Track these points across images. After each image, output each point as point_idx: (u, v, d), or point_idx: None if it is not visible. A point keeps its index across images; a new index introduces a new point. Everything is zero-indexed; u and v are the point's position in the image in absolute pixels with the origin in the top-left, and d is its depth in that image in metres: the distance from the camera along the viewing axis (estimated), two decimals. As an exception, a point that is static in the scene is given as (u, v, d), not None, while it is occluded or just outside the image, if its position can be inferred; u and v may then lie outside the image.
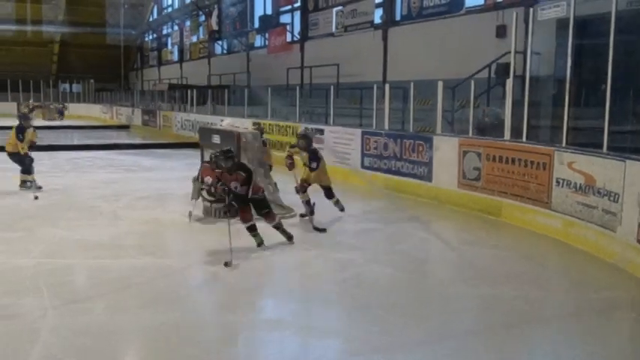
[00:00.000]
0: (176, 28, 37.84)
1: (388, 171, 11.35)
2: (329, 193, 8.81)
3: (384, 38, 18.36)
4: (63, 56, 44.66)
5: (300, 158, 8.69)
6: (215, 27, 30.60)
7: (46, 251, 6.89)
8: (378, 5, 18.85)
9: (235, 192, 6.83)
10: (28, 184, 10.73)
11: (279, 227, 7.28)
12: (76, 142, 20.76)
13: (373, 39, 18.67)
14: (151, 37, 44.01)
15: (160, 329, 4.75)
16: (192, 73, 34.08)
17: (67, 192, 10.77)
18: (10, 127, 11.09)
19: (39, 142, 11.33)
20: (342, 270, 6.55)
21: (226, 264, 6.27)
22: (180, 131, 22.90)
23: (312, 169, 8.47)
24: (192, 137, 19.35)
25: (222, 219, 8.39)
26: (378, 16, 18.95)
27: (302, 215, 8.61)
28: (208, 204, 8.65)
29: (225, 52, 30.98)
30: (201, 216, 8.66)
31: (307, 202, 8.50)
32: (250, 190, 6.94)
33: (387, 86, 12.12)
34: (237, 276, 6.13)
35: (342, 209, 8.88)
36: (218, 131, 9.68)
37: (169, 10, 39.54)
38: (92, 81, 43.50)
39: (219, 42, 31.19)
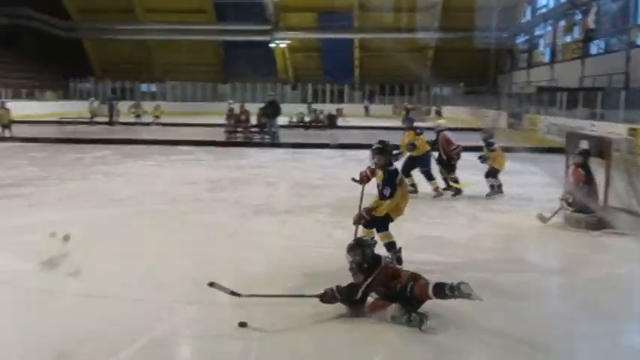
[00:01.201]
0: (549, 28, 36.67)
1: None
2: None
3: None
4: (436, 61, 47.03)
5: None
6: (592, 25, 28.78)
7: (408, 244, 7.33)
8: None
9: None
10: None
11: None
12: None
13: None
14: (522, 38, 43.48)
15: (504, 337, 4.68)
16: (563, 74, 32.62)
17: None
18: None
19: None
20: None
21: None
22: (546, 135, 22.18)
23: (382, 196, 6.24)
24: (557, 142, 18.57)
25: (584, 230, 7.94)
26: None
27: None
28: (572, 213, 8.23)
29: (601, 51, 28.91)
30: (559, 222, 8.30)
31: (391, 245, 6.33)
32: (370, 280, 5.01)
33: None
34: (588, 291, 5.69)
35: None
36: (586, 137, 9.10)
37: (543, 10, 38.51)
38: (461, 84, 44.91)
39: (596, 41, 29.21)
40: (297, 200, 10.18)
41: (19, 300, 5.31)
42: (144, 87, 48.80)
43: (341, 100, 45.54)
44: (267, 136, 21.14)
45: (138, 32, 46.18)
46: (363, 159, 14.87)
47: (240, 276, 5.96)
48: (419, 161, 10.67)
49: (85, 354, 4.20)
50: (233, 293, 4.55)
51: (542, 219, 8.41)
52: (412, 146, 10.58)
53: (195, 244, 7.19)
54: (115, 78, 47.06)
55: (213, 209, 9.27)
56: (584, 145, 8.67)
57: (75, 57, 47.96)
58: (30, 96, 38.70)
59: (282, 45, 46.57)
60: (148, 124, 29.57)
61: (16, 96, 36.04)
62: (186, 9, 45.22)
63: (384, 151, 6.33)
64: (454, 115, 39.05)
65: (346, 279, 5.80)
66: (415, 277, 4.97)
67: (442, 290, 4.71)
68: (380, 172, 6.36)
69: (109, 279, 5.81)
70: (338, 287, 4.96)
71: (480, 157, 10.86)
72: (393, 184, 6.18)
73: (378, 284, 4.95)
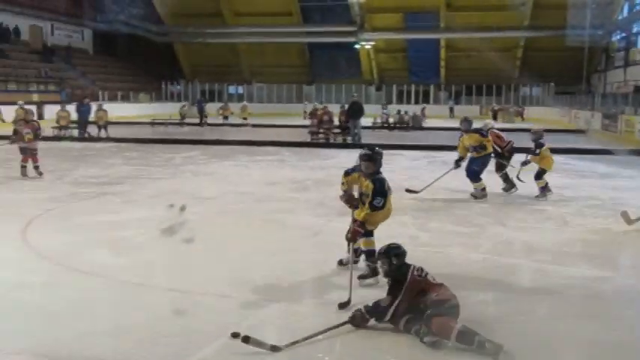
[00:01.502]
0: (648, 25, 34.90)
1: None
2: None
3: None
4: (525, 60, 45.70)
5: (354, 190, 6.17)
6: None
7: (494, 248, 7.18)
8: None
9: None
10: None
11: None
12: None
13: None
14: (618, 36, 41.56)
15: (598, 344, 4.49)
16: (663, 73, 31.00)
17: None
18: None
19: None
20: None
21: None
22: (643, 137, 21.11)
23: (374, 208, 5.76)
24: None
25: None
26: None
27: (340, 262, 6.25)
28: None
29: None
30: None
31: (370, 254, 5.84)
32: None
33: None
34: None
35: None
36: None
37: (641, 6, 36.70)
38: (552, 84, 43.44)
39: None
40: (381, 201, 10.12)
41: (112, 293, 5.56)
42: (232, 89, 50.02)
43: (426, 100, 45.04)
44: (349, 137, 21.18)
45: (226, 35, 47.42)
46: (447, 161, 14.72)
47: (323, 276, 6.00)
48: (476, 162, 10.42)
49: (171, 348, 4.34)
50: (273, 348, 4.24)
51: (627, 219, 8.04)
52: (482, 149, 10.39)
53: (280, 244, 7.29)
54: (204, 80, 48.50)
55: (297, 209, 9.38)
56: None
57: (167, 60, 49.79)
58: (125, 98, 40.45)
59: (367, 46, 46.53)
60: (239, 125, 30.29)
61: (112, 98, 37.78)
62: (273, 12, 45.96)
63: (373, 159, 5.82)
64: (543, 116, 37.88)
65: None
66: (439, 302, 4.46)
67: (469, 340, 4.21)
68: (366, 181, 5.82)
69: (196, 275, 5.99)
70: (366, 307, 4.62)
71: (523, 162, 10.54)
72: (384, 193, 5.76)
73: (407, 302, 4.51)
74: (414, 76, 47.91)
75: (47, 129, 23.36)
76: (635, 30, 38.19)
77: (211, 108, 33.82)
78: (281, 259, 6.63)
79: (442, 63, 47.49)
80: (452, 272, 6.18)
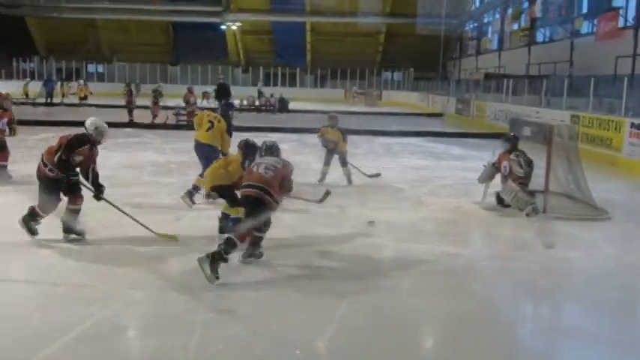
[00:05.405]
0: (497, 16, 37.22)
1: None
2: None
3: None
4: (387, 46, 47.32)
5: None
6: (538, 14, 29.35)
7: (356, 228, 7.39)
8: None
9: None
10: None
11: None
12: (391, 129, 21.68)
13: None
14: (471, 26, 44.04)
15: (451, 316, 4.79)
16: (510, 62, 33.30)
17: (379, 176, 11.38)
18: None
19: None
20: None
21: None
22: (492, 121, 22.59)
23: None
24: (504, 128, 18.93)
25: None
26: None
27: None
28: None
29: (547, 40, 29.58)
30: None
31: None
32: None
33: None
34: (528, 274, 5.86)
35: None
36: (529, 123, 9.29)
37: (492, -3, 39.05)
38: (412, 70, 45.32)
39: (542, 29, 29.86)
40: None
41: None
42: (91, 67, 47.54)
43: (293, 84, 45.40)
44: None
45: (84, 11, 44.85)
46: (316, 143, 14.96)
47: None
48: None
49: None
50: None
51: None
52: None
53: (141, 229, 7.06)
54: (60, 57, 45.64)
55: (159, 194, 9.14)
56: (526, 131, 8.88)
57: (19, 35, 46.29)
58: (-30, 75, 37.32)
59: (234, 27, 46.02)
60: (79, 105, 28.78)
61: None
62: (135, -13, 44.09)
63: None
64: (403, 100, 39.42)
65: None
66: None
67: None
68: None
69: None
70: None
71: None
72: None
73: None
74: (280, 59, 48.01)
75: None
76: (485, 20, 40.64)
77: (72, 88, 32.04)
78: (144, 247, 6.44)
79: (308, 47, 48.00)
80: (314, 250, 6.33)
